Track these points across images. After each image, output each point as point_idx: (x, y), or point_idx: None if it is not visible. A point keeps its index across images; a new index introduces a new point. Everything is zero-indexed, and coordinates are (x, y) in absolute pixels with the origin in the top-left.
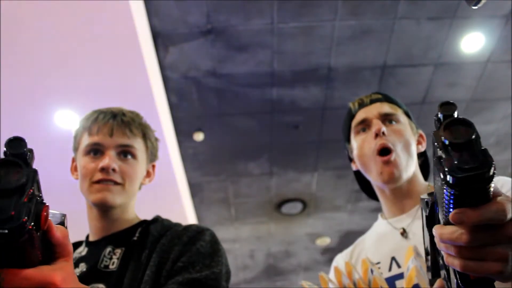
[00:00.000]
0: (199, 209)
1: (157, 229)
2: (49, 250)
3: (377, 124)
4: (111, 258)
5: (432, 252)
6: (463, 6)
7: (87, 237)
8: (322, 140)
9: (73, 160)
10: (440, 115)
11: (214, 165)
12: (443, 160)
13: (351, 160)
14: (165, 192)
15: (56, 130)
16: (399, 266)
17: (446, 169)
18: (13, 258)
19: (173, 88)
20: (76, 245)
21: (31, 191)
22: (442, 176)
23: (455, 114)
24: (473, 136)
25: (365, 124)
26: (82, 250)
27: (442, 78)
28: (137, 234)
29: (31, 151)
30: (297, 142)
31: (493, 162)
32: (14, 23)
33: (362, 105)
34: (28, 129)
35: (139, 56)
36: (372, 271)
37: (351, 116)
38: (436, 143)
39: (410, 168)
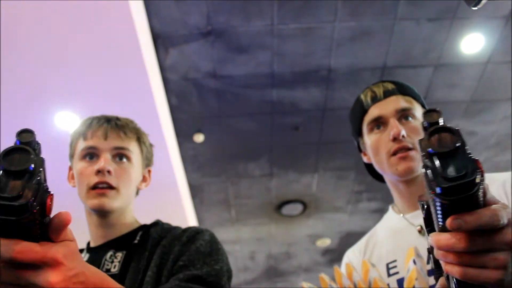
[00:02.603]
0: (199, 210)
1: (157, 232)
2: (53, 236)
3: (395, 126)
4: (112, 262)
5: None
6: (463, 7)
7: (88, 243)
8: (322, 141)
9: (70, 168)
10: (425, 123)
11: (214, 166)
12: (429, 169)
13: (361, 151)
14: (166, 193)
15: (57, 131)
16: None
17: (431, 179)
18: (16, 236)
19: (173, 89)
20: None
21: (39, 177)
22: (429, 186)
23: (441, 121)
24: (458, 144)
25: (380, 122)
26: (84, 256)
27: (442, 79)
28: (137, 238)
29: (38, 143)
30: (297, 143)
31: (480, 170)
32: (14, 24)
33: (375, 99)
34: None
35: (139, 58)
36: (373, 272)
37: (363, 110)
38: (421, 152)
39: None
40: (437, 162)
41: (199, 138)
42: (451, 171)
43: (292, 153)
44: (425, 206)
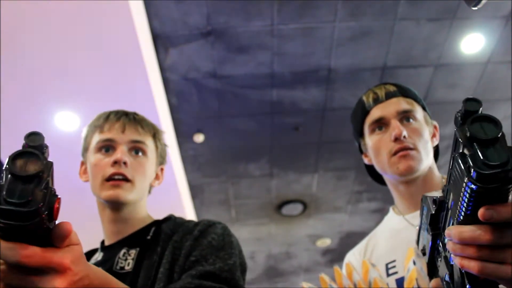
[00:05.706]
0: (199, 210)
1: (169, 227)
2: (57, 244)
3: (396, 127)
4: (126, 259)
5: (431, 253)
6: (463, 7)
7: (102, 242)
8: (322, 141)
9: (82, 163)
10: (463, 111)
11: (214, 166)
12: (468, 156)
13: (362, 152)
14: (166, 193)
15: (57, 132)
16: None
17: (471, 165)
18: (22, 240)
19: (173, 89)
20: (92, 252)
21: (47, 181)
22: (466, 172)
23: (480, 111)
24: (500, 134)
25: (381, 123)
26: (98, 256)
27: (442, 79)
28: (150, 234)
29: (47, 146)
30: (297, 143)
31: None
32: (15, 25)
33: (377, 100)
34: (28, 131)
35: (139, 58)
36: (373, 272)
37: (365, 111)
38: (459, 139)
39: (426, 162)
40: (477, 149)
41: (199, 138)
42: (493, 158)
43: (292, 153)
44: (437, 202)
